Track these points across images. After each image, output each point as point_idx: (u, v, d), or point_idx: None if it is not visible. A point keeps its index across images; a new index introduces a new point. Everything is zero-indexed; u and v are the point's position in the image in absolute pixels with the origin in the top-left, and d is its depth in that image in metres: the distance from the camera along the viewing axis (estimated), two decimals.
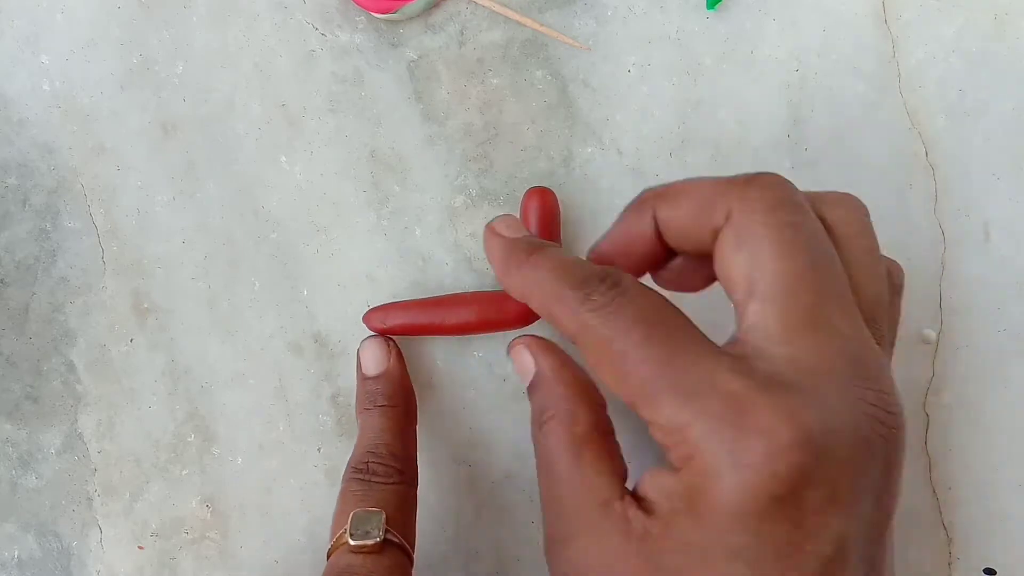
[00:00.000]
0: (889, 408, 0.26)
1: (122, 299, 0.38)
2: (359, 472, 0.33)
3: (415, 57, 0.38)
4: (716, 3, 0.37)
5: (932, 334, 0.38)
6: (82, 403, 0.38)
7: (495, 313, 0.36)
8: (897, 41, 0.38)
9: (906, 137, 0.38)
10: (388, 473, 0.33)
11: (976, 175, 0.38)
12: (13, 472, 0.38)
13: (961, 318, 0.38)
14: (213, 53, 0.38)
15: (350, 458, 0.35)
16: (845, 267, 0.28)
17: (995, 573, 0.38)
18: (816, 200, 0.29)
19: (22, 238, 0.38)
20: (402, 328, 0.37)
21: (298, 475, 0.38)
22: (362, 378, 0.37)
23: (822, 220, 0.29)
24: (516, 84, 0.38)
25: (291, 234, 0.38)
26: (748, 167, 0.38)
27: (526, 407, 0.38)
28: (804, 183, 0.38)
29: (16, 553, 0.38)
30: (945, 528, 0.38)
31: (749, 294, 0.27)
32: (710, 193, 0.28)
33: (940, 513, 0.38)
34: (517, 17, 0.37)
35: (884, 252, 0.38)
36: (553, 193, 0.37)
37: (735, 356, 0.26)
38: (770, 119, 0.38)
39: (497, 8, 0.37)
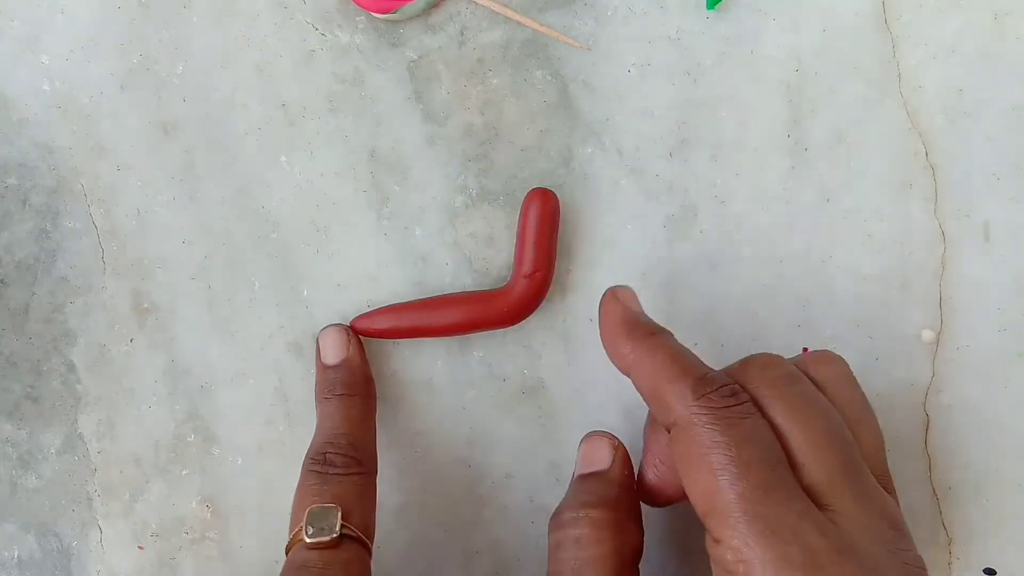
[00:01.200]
0: (922, 563, 0.28)
1: (122, 299, 0.38)
2: (316, 463, 0.33)
3: (415, 57, 0.38)
4: (716, 3, 0.37)
5: (932, 334, 0.38)
6: (82, 403, 0.38)
7: (482, 313, 0.36)
8: (897, 41, 0.38)
9: (906, 137, 0.38)
10: (346, 464, 0.33)
11: (976, 175, 0.38)
12: (13, 472, 0.38)
13: (961, 318, 0.38)
14: (213, 53, 0.38)
15: (309, 448, 0.34)
16: (848, 425, 0.30)
17: (995, 573, 0.38)
18: (800, 364, 0.31)
19: (22, 238, 0.38)
20: (391, 332, 0.37)
21: (298, 475, 0.38)
22: (321, 367, 0.36)
23: (812, 383, 0.30)
24: (516, 84, 0.38)
25: (291, 234, 0.38)
26: (748, 167, 0.38)
27: (526, 407, 0.38)
28: (804, 183, 0.38)
29: (16, 553, 0.38)
30: (945, 528, 0.38)
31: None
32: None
33: (940, 513, 0.38)
34: (517, 17, 0.37)
35: (885, 252, 0.38)
36: (554, 195, 0.37)
37: (815, 505, 0.27)
38: (770, 119, 0.38)
39: (497, 8, 0.37)
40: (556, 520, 0.32)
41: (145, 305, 0.38)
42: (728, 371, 0.30)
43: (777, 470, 0.27)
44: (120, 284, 0.38)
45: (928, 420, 0.38)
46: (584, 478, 0.33)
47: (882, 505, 0.28)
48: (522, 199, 0.37)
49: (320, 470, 0.33)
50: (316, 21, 0.38)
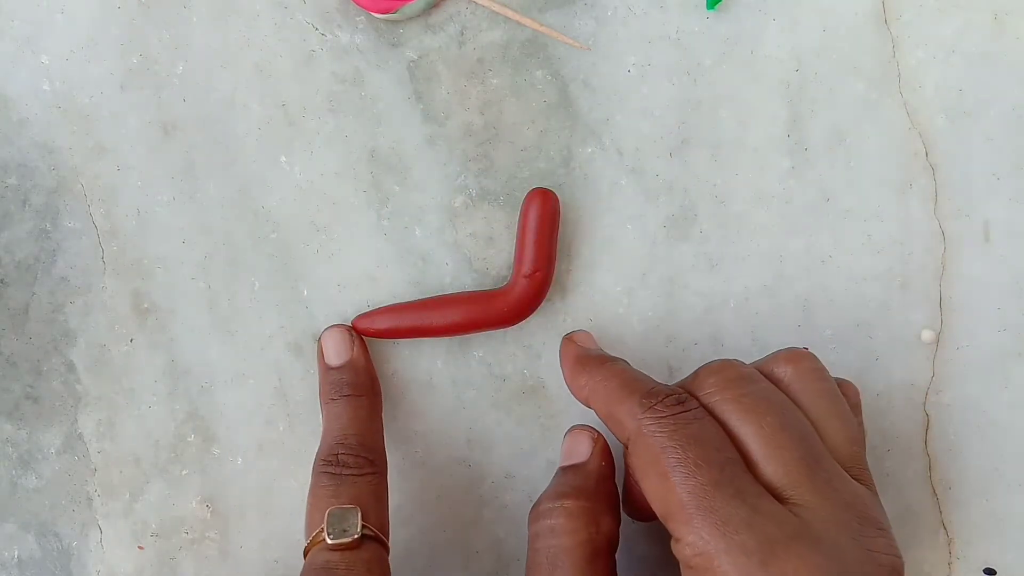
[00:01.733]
0: (893, 551, 0.28)
1: (122, 299, 0.38)
2: (329, 465, 0.33)
3: (415, 57, 0.38)
4: (716, 3, 0.37)
5: (932, 334, 0.38)
6: (82, 403, 0.38)
7: (482, 313, 0.36)
8: (897, 41, 0.38)
9: (906, 137, 0.38)
10: (359, 464, 0.33)
11: (976, 175, 0.38)
12: (13, 472, 0.38)
13: (961, 318, 0.38)
14: (213, 53, 0.38)
15: (318, 450, 0.34)
16: (812, 419, 0.30)
17: (995, 573, 0.38)
18: (764, 366, 0.32)
19: (22, 238, 0.38)
20: (391, 332, 0.37)
21: (298, 475, 0.38)
22: (324, 368, 0.36)
23: (775, 381, 0.31)
24: (516, 84, 0.38)
25: (291, 234, 0.38)
26: (748, 167, 0.38)
27: (526, 407, 0.38)
28: (804, 183, 0.38)
29: (16, 553, 0.38)
30: (945, 528, 0.38)
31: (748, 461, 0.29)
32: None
33: (940, 513, 0.38)
34: (517, 17, 0.37)
35: (884, 252, 0.38)
36: (554, 195, 0.37)
37: (772, 498, 0.28)
38: (770, 119, 0.38)
39: (497, 8, 0.37)
40: (534, 511, 0.33)
41: (145, 305, 0.38)
42: (682, 382, 0.32)
43: (727, 468, 0.28)
44: (120, 284, 0.38)
45: (928, 420, 0.38)
46: (563, 470, 0.34)
47: (848, 495, 0.28)
48: (522, 199, 0.37)
49: (334, 471, 0.33)
50: (316, 21, 0.38)
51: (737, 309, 0.38)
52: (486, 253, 0.38)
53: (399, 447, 0.38)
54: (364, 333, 0.37)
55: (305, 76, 0.38)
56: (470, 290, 0.38)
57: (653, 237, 0.38)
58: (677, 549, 0.28)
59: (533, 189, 0.37)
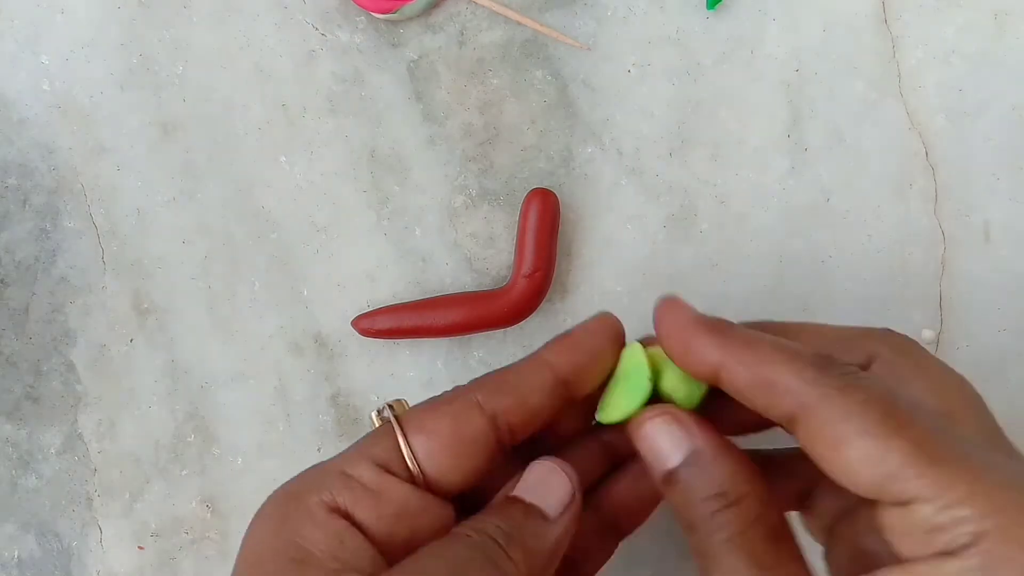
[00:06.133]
0: None
1: (122, 299, 0.38)
2: None
3: (415, 57, 0.38)
4: (716, 3, 0.37)
5: (932, 334, 0.38)
6: (82, 403, 0.38)
7: (482, 313, 0.37)
8: (897, 41, 0.38)
9: (906, 137, 0.38)
10: None
11: (976, 175, 0.38)
12: (13, 472, 0.38)
13: (961, 318, 0.38)
14: (213, 53, 0.38)
15: None
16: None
17: None
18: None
19: (22, 238, 0.38)
20: (391, 332, 0.37)
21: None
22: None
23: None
24: (516, 84, 0.38)
25: (291, 234, 0.38)
26: (748, 167, 0.38)
27: None
28: (804, 183, 0.38)
29: (16, 553, 0.38)
30: None
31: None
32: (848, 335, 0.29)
33: None
34: (517, 17, 0.37)
35: (884, 252, 0.38)
36: (554, 195, 0.37)
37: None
38: (770, 119, 0.38)
39: (497, 8, 0.37)
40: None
41: (145, 305, 0.38)
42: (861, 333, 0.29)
43: (931, 415, 0.26)
44: (120, 284, 0.38)
45: None
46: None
47: None
48: (522, 199, 0.37)
49: None
50: (316, 21, 0.38)
51: (737, 309, 0.38)
52: (486, 253, 0.38)
53: None
54: (364, 333, 0.37)
55: (305, 76, 0.38)
56: (470, 290, 0.38)
57: (653, 237, 0.38)
58: (905, 516, 0.24)
59: (533, 189, 0.37)
